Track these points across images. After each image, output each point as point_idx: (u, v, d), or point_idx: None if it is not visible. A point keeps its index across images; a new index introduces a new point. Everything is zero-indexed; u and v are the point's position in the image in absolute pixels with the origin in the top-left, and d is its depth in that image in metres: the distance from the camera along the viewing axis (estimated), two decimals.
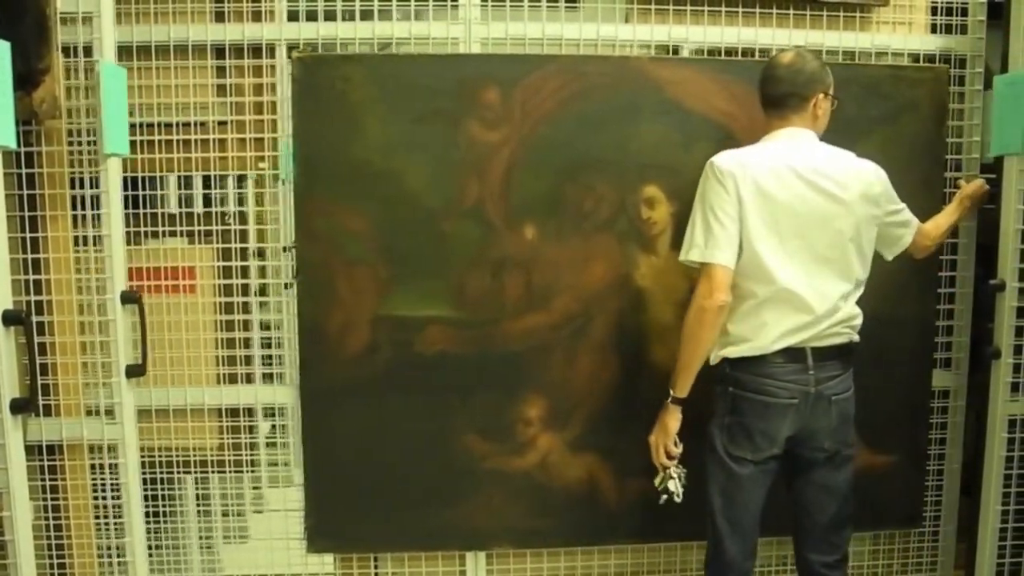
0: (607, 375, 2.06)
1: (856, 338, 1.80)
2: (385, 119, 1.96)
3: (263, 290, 2.09)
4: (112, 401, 1.86)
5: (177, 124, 1.97)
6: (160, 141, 1.98)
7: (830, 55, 2.09)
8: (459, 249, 2.00)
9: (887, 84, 2.07)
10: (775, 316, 1.72)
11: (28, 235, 1.83)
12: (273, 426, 2.14)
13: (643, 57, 2.05)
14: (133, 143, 1.95)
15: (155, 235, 2.00)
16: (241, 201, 2.08)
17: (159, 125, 1.97)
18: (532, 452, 2.08)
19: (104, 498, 1.93)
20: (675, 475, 1.84)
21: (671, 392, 1.80)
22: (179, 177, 2.02)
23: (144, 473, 2.05)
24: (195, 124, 1.98)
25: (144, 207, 2.00)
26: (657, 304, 2.04)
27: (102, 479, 1.93)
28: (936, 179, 2.11)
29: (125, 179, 1.95)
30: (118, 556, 1.93)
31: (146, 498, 2.05)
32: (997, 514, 2.00)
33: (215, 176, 2.02)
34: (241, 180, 2.07)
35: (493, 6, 2.01)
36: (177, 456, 2.08)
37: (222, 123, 2.00)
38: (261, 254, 2.10)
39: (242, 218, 2.05)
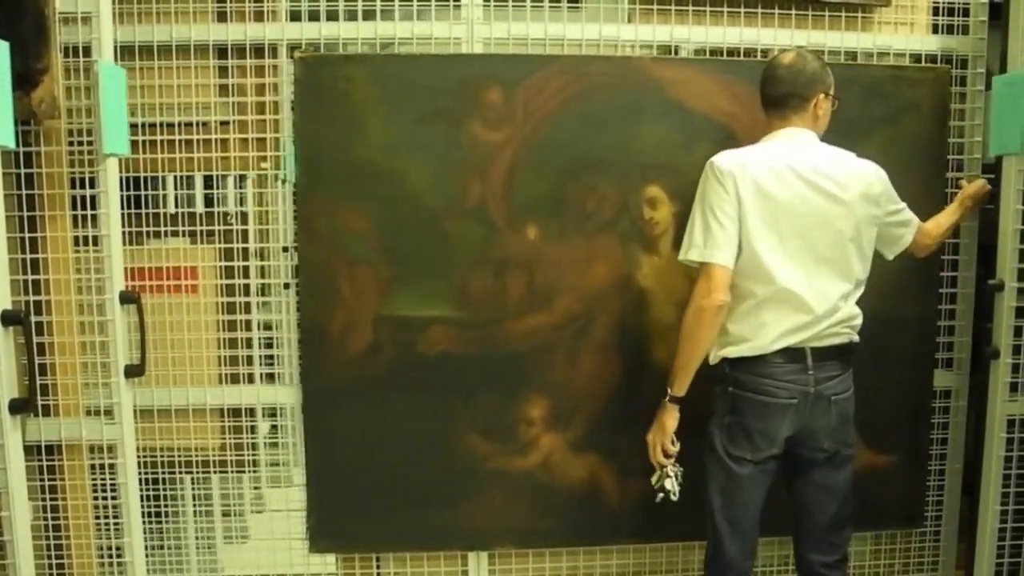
0: (609, 375, 2.07)
1: (856, 338, 1.80)
2: (387, 119, 1.96)
3: (265, 290, 2.09)
4: (111, 401, 1.86)
5: (179, 124, 1.97)
6: (163, 141, 1.97)
7: (832, 55, 2.09)
8: (461, 249, 2.00)
9: (889, 84, 2.07)
10: (775, 316, 1.72)
11: (27, 235, 1.82)
12: (274, 426, 2.14)
13: (645, 57, 2.05)
14: (136, 143, 1.95)
15: (157, 235, 2.00)
16: (243, 201, 2.07)
17: (162, 125, 1.97)
18: (534, 452, 2.08)
19: (103, 498, 1.93)
20: (672, 474, 1.84)
21: (669, 391, 1.80)
22: (181, 177, 2.01)
23: (146, 473, 2.05)
24: (197, 124, 1.98)
25: (147, 207, 2.00)
26: (659, 304, 2.04)
27: (101, 479, 1.93)
28: (938, 179, 2.12)
29: (128, 179, 1.95)
30: (117, 556, 1.93)
31: (149, 498, 2.06)
32: (996, 514, 2.00)
33: (217, 176, 2.02)
34: (243, 180, 2.07)
35: (495, 6, 2.01)
36: (179, 456, 2.08)
37: (224, 123, 2.00)
38: (263, 254, 2.10)
39: (244, 218, 2.05)
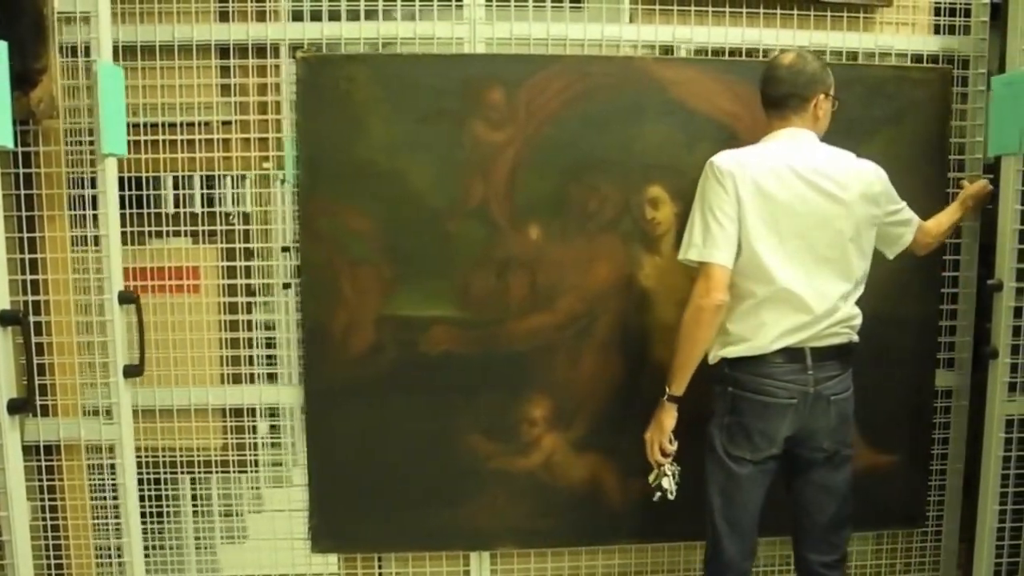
0: (611, 375, 2.07)
1: (855, 338, 1.80)
2: (389, 119, 1.96)
3: (267, 290, 2.09)
4: (110, 401, 1.85)
5: (182, 124, 1.97)
6: (165, 141, 1.97)
7: (834, 55, 2.09)
8: (464, 249, 2.00)
9: (891, 84, 2.07)
10: (774, 316, 1.72)
11: (25, 235, 1.83)
12: (275, 426, 2.13)
13: (647, 57, 2.05)
14: (138, 143, 1.95)
15: (160, 235, 2.00)
16: (246, 201, 2.07)
17: (164, 125, 1.97)
18: (536, 452, 2.08)
19: (102, 498, 1.93)
20: (669, 473, 1.84)
21: (667, 390, 1.80)
22: (183, 177, 2.01)
23: (148, 473, 2.05)
24: (199, 124, 1.98)
25: (149, 207, 1.99)
26: (661, 304, 2.04)
27: (99, 479, 1.93)
28: (939, 179, 2.12)
29: (130, 179, 1.95)
30: (116, 556, 1.93)
31: (151, 498, 2.06)
32: (995, 514, 2.01)
33: (219, 176, 2.02)
34: (244, 180, 2.06)
35: (498, 6, 2.01)
36: (181, 456, 2.08)
37: (226, 123, 1.99)
38: (265, 254, 2.09)
39: (246, 218, 2.04)
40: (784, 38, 2.07)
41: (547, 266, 2.02)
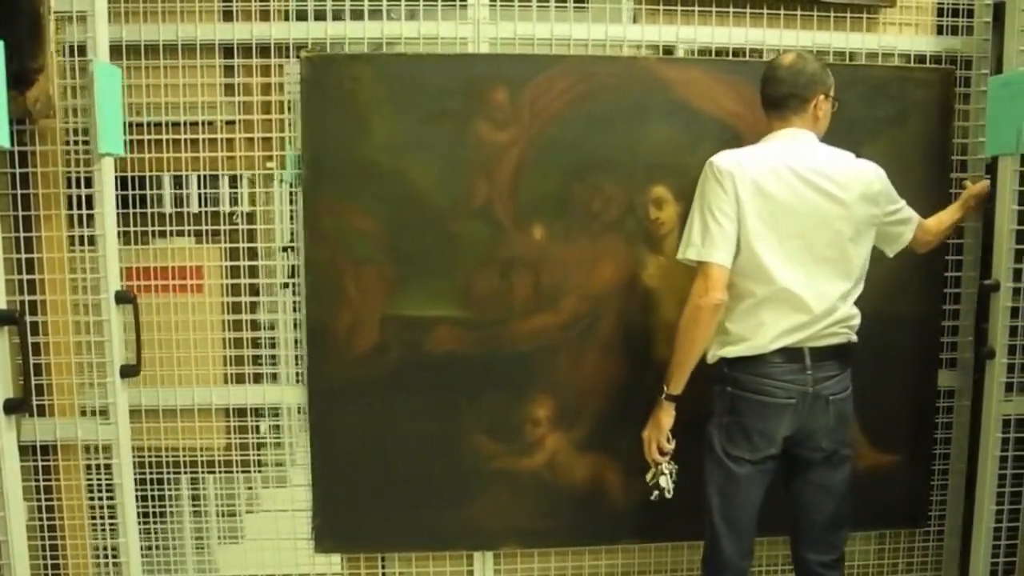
0: (615, 375, 2.07)
1: (854, 338, 1.80)
2: (393, 119, 1.96)
3: (270, 290, 2.08)
4: (106, 401, 1.85)
5: (185, 123, 1.97)
6: (168, 140, 1.97)
7: (837, 56, 2.10)
8: (467, 249, 2.01)
9: (894, 85, 2.08)
10: (773, 316, 1.72)
11: (22, 235, 1.82)
12: (277, 426, 2.13)
13: (651, 57, 2.06)
14: (141, 143, 1.95)
15: (163, 235, 2.00)
16: (249, 200, 2.06)
17: (167, 125, 1.97)
18: (540, 452, 2.09)
19: (100, 498, 1.93)
20: (667, 471, 1.85)
21: (665, 389, 1.81)
22: (187, 176, 2.01)
23: (153, 473, 2.05)
24: (203, 124, 1.98)
25: (152, 207, 1.99)
26: (665, 304, 2.04)
27: (97, 479, 1.92)
28: (942, 179, 2.12)
29: (133, 178, 1.95)
30: (113, 557, 1.93)
31: (151, 498, 2.06)
32: (992, 514, 2.02)
33: (223, 176, 2.01)
34: (249, 180, 2.06)
35: (502, 6, 2.01)
36: (185, 456, 2.07)
37: (230, 123, 1.99)
38: (269, 254, 2.09)
39: (250, 218, 2.04)
40: (787, 38, 2.08)
41: (551, 266, 2.02)
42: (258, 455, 2.10)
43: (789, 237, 1.71)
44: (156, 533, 2.09)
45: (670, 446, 1.84)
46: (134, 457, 1.98)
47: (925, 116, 2.10)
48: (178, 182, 2.01)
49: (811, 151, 1.76)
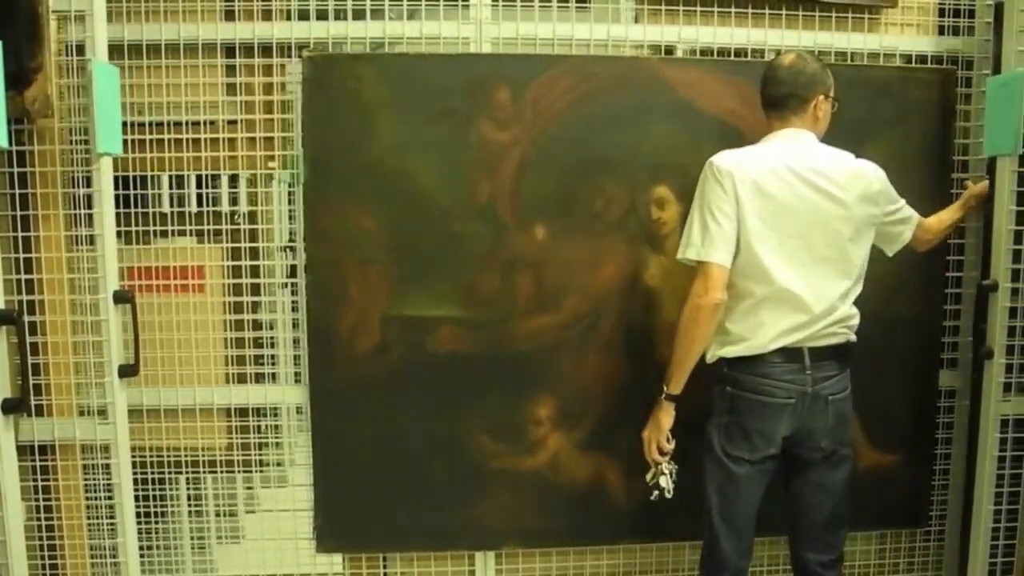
0: (617, 375, 2.07)
1: (853, 338, 1.81)
2: (396, 118, 1.96)
3: (271, 290, 2.08)
4: (105, 401, 1.84)
5: (187, 123, 1.97)
6: (171, 140, 1.97)
7: (839, 56, 2.10)
8: (469, 249, 2.00)
9: (895, 85, 2.08)
10: (773, 316, 1.72)
11: (20, 234, 1.82)
12: (277, 426, 2.13)
13: (653, 58, 2.06)
14: (144, 142, 1.95)
15: (165, 234, 2.00)
16: (248, 200, 2.06)
17: (169, 124, 1.96)
18: (542, 452, 2.09)
19: (97, 498, 1.92)
20: (667, 471, 1.85)
21: (665, 388, 1.81)
22: (189, 176, 2.00)
23: (153, 473, 2.05)
24: (205, 123, 1.98)
25: (155, 206, 1.99)
26: (667, 304, 2.04)
27: (95, 479, 1.92)
28: (943, 179, 2.13)
29: (135, 178, 1.95)
30: (111, 556, 1.92)
31: (153, 498, 2.05)
32: (989, 514, 2.02)
33: (225, 175, 2.01)
34: (250, 179, 2.06)
35: (504, 6, 2.01)
36: (186, 456, 2.07)
37: (232, 122, 1.99)
38: (270, 254, 2.09)
39: (251, 217, 2.04)
40: (789, 39, 2.08)
41: (553, 266, 2.02)
42: (260, 455, 2.10)
43: (789, 237, 1.71)
44: (158, 533, 2.09)
45: (670, 446, 1.85)
46: (136, 457, 1.99)
47: (926, 116, 2.10)
48: (180, 182, 2.01)
49: (811, 151, 1.76)
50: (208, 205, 2.02)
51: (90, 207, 1.79)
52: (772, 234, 1.71)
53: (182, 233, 2.01)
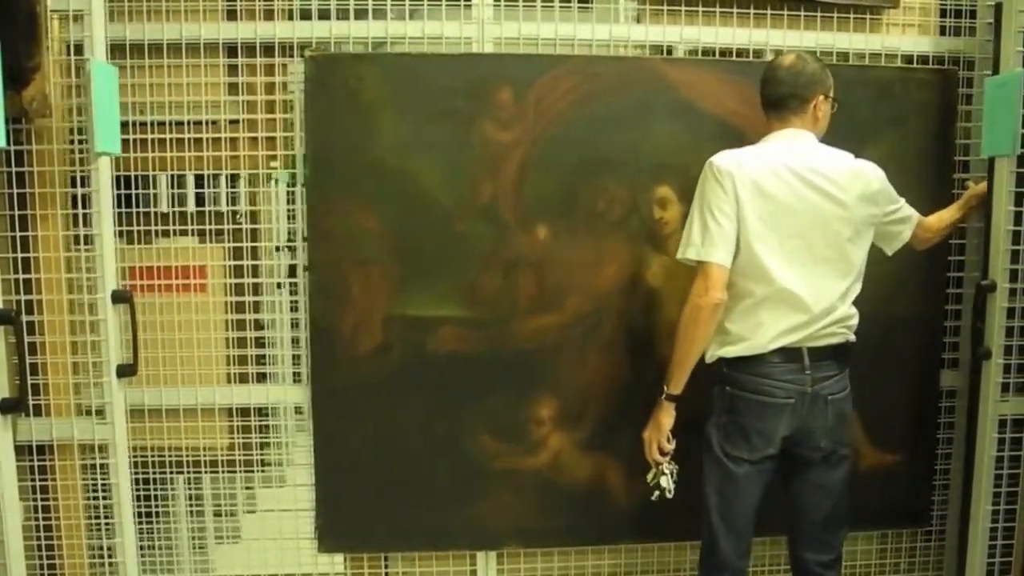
0: (618, 374, 2.07)
1: (852, 338, 1.81)
2: (398, 118, 1.96)
3: (272, 289, 2.08)
4: (103, 401, 1.84)
5: (189, 123, 1.97)
6: (172, 140, 1.97)
7: (840, 57, 2.10)
8: (471, 249, 2.00)
9: (897, 86, 2.08)
10: (772, 316, 1.73)
11: (18, 234, 1.82)
12: (274, 426, 2.13)
13: (655, 58, 2.06)
14: (145, 142, 1.95)
15: (166, 234, 2.00)
16: (248, 199, 2.06)
17: (171, 124, 1.96)
18: (543, 452, 2.09)
19: (96, 498, 1.92)
20: (667, 471, 1.85)
21: (665, 388, 1.81)
22: (192, 176, 2.00)
23: (155, 473, 2.05)
24: (207, 123, 1.97)
25: (156, 206, 1.99)
26: (668, 304, 2.04)
27: (93, 479, 1.91)
28: (944, 180, 2.13)
29: (136, 177, 1.95)
30: (109, 556, 1.92)
31: (155, 498, 2.05)
32: (988, 513, 2.02)
33: (227, 175, 2.01)
34: (252, 179, 2.06)
35: (506, 6, 2.01)
36: (188, 456, 2.07)
37: (233, 122, 1.99)
38: (271, 253, 2.09)
39: (253, 217, 2.04)
40: (791, 39, 2.08)
41: (555, 266, 2.02)
42: (261, 455, 2.09)
43: (788, 237, 1.71)
44: (159, 533, 2.09)
45: (671, 446, 1.85)
46: (138, 457, 1.99)
47: (928, 117, 2.10)
48: (182, 181, 2.01)
49: (810, 151, 1.76)
50: (210, 205, 2.02)
51: (88, 207, 1.79)
52: (772, 234, 1.71)
53: (184, 233, 2.01)
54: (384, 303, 2.00)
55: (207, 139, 1.97)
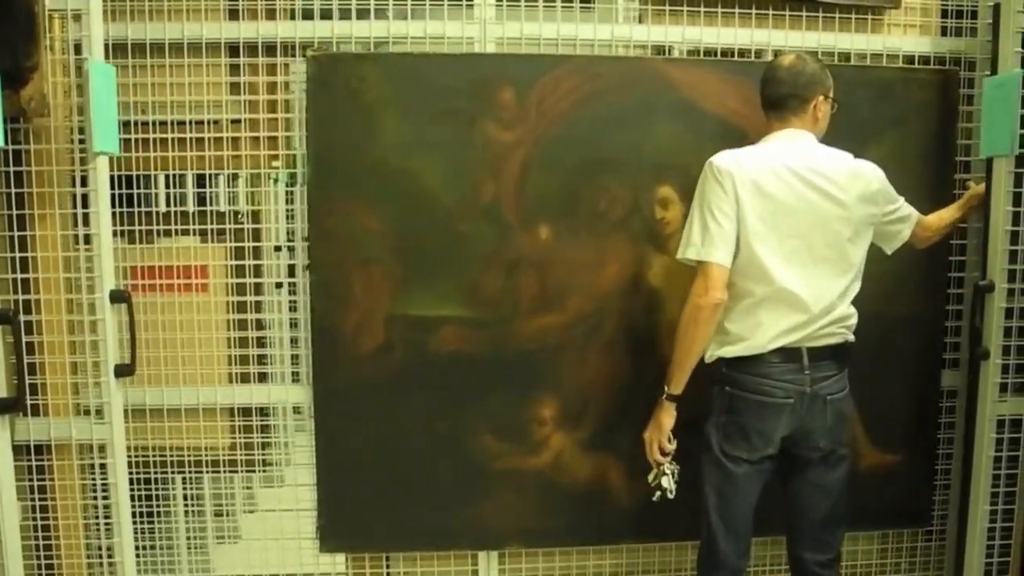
0: (620, 374, 2.07)
1: (851, 338, 1.81)
2: (400, 118, 1.96)
3: (273, 289, 2.08)
4: (101, 401, 1.84)
5: (190, 122, 1.96)
6: (172, 139, 1.97)
7: (841, 57, 2.11)
8: (473, 249, 2.00)
9: (898, 86, 2.09)
10: (772, 316, 1.73)
11: (16, 234, 1.82)
12: (279, 425, 2.13)
13: (657, 58, 2.06)
14: (146, 141, 1.95)
15: (167, 234, 1.99)
16: (248, 199, 2.06)
17: (172, 123, 1.96)
18: (545, 451, 2.09)
19: (94, 498, 1.92)
20: (668, 472, 1.85)
21: (666, 389, 1.81)
22: (193, 175, 2.00)
23: (155, 473, 2.05)
24: (208, 122, 1.97)
25: (157, 206, 1.98)
26: (670, 304, 2.04)
27: (92, 479, 1.91)
28: (945, 180, 2.13)
29: (137, 177, 1.94)
30: (108, 556, 1.92)
31: (155, 498, 2.05)
32: (986, 514, 2.03)
33: (228, 175, 2.01)
34: (253, 179, 2.06)
35: (508, 6, 2.01)
36: (189, 456, 2.07)
37: (235, 122, 1.99)
38: (271, 253, 2.09)
39: (254, 217, 2.04)
40: (793, 40, 2.08)
41: (557, 266, 2.02)
42: (263, 455, 2.09)
43: (788, 237, 1.72)
44: (159, 533, 2.09)
45: (671, 446, 1.85)
46: (139, 457, 1.99)
47: (928, 117, 2.11)
48: (184, 181, 2.00)
49: (810, 151, 1.76)
50: (212, 204, 2.02)
51: (87, 206, 1.79)
52: (772, 234, 1.71)
53: (186, 232, 2.01)
54: (386, 303, 2.00)
55: (209, 139, 1.97)
